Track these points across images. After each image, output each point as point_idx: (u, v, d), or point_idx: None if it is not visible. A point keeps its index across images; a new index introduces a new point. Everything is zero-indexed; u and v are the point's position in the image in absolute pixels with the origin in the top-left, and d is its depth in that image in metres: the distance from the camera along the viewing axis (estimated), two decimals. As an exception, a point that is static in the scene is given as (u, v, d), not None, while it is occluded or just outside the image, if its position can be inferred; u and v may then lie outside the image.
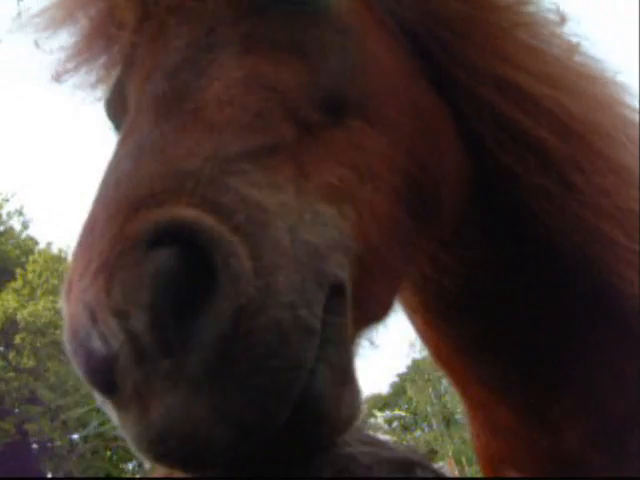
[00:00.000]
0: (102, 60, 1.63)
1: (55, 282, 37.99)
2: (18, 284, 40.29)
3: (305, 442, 1.04)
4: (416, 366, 46.95)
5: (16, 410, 38.72)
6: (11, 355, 38.69)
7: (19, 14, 1.72)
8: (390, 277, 1.45)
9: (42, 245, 45.38)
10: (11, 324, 38.60)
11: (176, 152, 1.12)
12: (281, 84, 1.30)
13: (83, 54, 1.64)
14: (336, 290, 1.12)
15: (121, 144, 1.23)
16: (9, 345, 39.21)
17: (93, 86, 1.72)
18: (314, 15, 1.43)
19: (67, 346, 1.00)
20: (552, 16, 1.77)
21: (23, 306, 38.81)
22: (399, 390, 55.24)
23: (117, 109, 1.58)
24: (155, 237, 0.98)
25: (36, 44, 1.70)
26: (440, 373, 2.19)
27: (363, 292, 1.24)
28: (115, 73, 1.58)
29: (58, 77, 1.72)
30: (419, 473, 1.17)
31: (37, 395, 37.69)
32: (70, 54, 1.66)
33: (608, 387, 1.77)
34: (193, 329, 0.95)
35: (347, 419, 1.08)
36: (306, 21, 1.41)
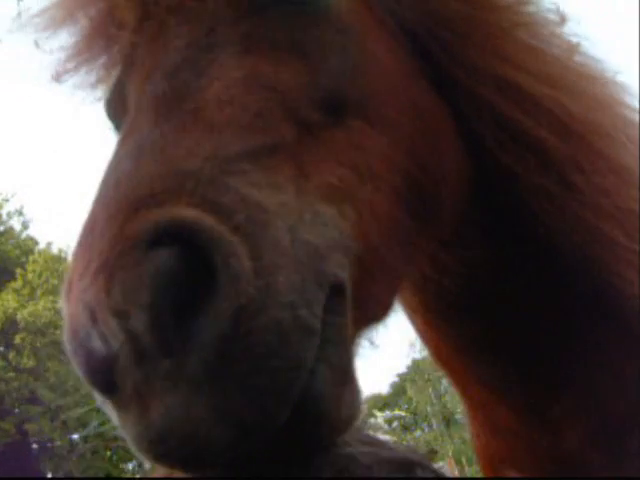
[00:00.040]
0: (102, 60, 1.63)
1: (55, 282, 37.99)
2: (18, 284, 40.30)
3: (305, 442, 1.04)
4: (416, 366, 46.94)
5: (16, 410, 38.73)
6: (11, 355, 38.70)
7: (19, 14, 1.72)
8: (390, 277, 1.45)
9: (42, 245, 45.44)
10: (11, 324, 38.60)
11: (176, 152, 1.12)
12: (281, 84, 1.30)
13: (83, 54, 1.64)
14: (336, 290, 1.12)
15: (121, 144, 1.23)
16: (9, 345, 39.21)
17: (93, 86, 1.72)
18: (314, 15, 1.43)
19: (67, 346, 1.00)
20: (552, 16, 1.76)
21: (23, 306, 38.82)
22: (399, 390, 55.24)
23: (117, 109, 1.58)
24: (155, 237, 0.98)
25: (36, 44, 1.70)
26: (440, 373, 2.18)
27: (363, 292, 1.24)
28: (115, 73, 1.58)
29: (58, 77, 1.72)
30: (419, 473, 1.17)
31: (37, 395, 37.70)
32: (70, 54, 1.66)
33: (608, 387, 1.77)
34: (193, 329, 0.95)
35: (347, 419, 1.08)
36: (306, 21, 1.41)
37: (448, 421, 45.63)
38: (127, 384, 0.96)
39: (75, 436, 39.20)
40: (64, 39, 1.66)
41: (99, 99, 1.73)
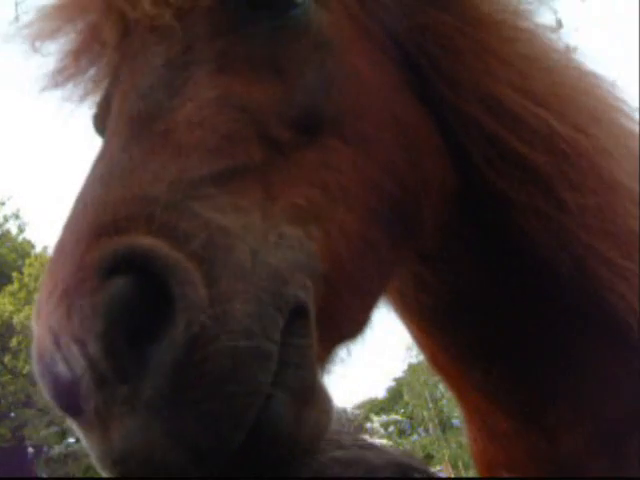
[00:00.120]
0: (90, 74, 1.63)
1: (51, 286, 37.84)
2: (14, 287, 40.17)
3: (261, 463, 1.04)
4: (412, 370, 46.91)
5: (12, 414, 38.60)
6: (7, 359, 38.58)
7: (13, 20, 1.72)
8: (363, 295, 1.44)
9: (39, 248, 45.26)
10: (7, 327, 38.49)
11: (143, 176, 1.12)
12: (253, 103, 1.29)
13: (71, 68, 1.64)
14: (298, 312, 1.12)
15: (93, 167, 1.23)
16: (5, 349, 39.09)
17: (82, 99, 1.72)
18: (293, 30, 1.41)
19: (35, 368, 1.02)
20: (548, 27, 1.76)
21: (19, 310, 38.68)
22: (395, 394, 55.16)
23: (105, 124, 1.57)
24: (113, 265, 0.99)
25: (25, 56, 1.70)
26: (436, 378, 2.18)
27: (333, 311, 1.24)
28: (103, 86, 1.58)
29: (48, 89, 1.71)
30: (416, 477, 1.17)
31: (33, 399, 37.58)
32: (58, 67, 1.66)
33: (602, 393, 1.77)
34: (149, 355, 0.96)
35: (311, 437, 1.08)
36: (285, 36, 1.40)
37: (444, 425, 45.57)
38: (90, 407, 0.97)
39: (71, 440, 39.06)
40: (53, 51, 1.65)
41: (91, 107, 1.73)
